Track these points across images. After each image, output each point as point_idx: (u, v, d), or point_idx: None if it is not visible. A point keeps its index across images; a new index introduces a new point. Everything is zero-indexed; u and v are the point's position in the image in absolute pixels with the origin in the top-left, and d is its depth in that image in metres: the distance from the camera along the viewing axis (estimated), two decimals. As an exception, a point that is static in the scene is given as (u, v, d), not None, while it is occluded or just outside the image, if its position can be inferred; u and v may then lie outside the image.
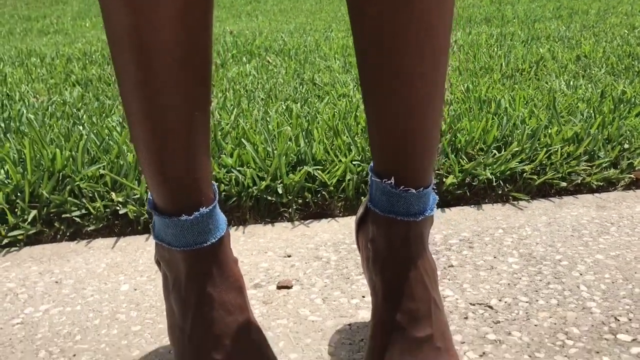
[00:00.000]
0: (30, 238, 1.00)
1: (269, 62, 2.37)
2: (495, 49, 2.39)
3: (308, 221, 1.03)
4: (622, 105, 1.35)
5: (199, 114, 0.52)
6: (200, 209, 0.55)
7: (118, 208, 1.01)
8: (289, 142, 1.14)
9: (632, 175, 1.09)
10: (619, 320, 0.71)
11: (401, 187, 0.57)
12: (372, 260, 0.61)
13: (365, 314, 0.74)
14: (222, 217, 0.59)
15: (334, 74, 2.01)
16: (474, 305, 0.75)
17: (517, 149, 1.09)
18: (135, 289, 0.83)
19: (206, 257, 0.57)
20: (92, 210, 1.00)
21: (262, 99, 1.67)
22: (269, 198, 1.03)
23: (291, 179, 1.04)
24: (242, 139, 1.11)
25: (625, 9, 3.65)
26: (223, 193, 1.04)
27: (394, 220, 0.58)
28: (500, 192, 1.06)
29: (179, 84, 0.50)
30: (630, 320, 0.70)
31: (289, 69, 2.18)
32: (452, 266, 0.85)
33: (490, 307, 0.75)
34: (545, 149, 1.09)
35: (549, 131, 1.15)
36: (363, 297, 0.78)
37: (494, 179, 1.06)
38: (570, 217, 0.99)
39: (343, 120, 1.28)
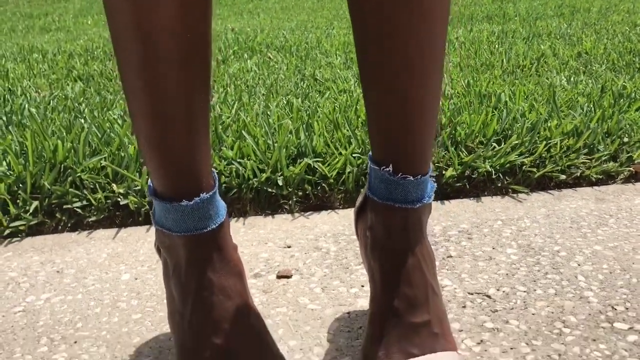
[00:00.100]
0: (32, 229, 1.00)
1: (270, 58, 2.38)
2: (497, 46, 2.39)
3: (308, 213, 1.03)
4: (622, 100, 1.35)
5: (199, 99, 0.53)
6: (201, 194, 0.56)
7: (119, 199, 1.01)
8: (289, 135, 1.14)
9: (631, 169, 1.10)
10: (616, 309, 0.71)
11: (399, 175, 0.57)
12: (371, 247, 0.61)
13: (364, 303, 0.75)
14: (222, 204, 0.60)
15: (335, 70, 2.02)
16: (472, 294, 0.76)
17: (516, 142, 1.09)
18: (136, 278, 0.83)
19: (206, 243, 0.57)
20: (93, 201, 1.01)
21: (263, 94, 1.68)
22: (269, 190, 1.04)
23: (291, 171, 1.04)
24: (243, 132, 1.12)
25: (627, 7, 3.65)
26: (223, 185, 1.04)
27: (392, 207, 0.59)
28: (499, 184, 1.07)
29: (180, 70, 0.50)
30: (627, 309, 0.71)
31: (290, 65, 2.18)
32: (450, 257, 0.85)
33: (488, 297, 0.75)
34: (544, 142, 1.10)
35: (549, 124, 1.16)
36: (362, 286, 0.79)
37: (493, 172, 1.06)
38: (569, 209, 1.00)
39: (343, 114, 1.28)
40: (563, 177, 1.07)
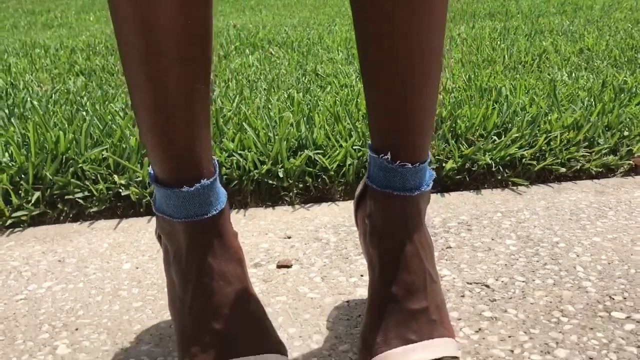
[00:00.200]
0: (34, 219, 1.01)
1: (271, 53, 2.38)
2: (498, 42, 2.39)
3: (308, 205, 1.04)
4: (622, 95, 1.35)
5: (200, 87, 0.53)
6: (202, 180, 0.56)
7: (120, 190, 1.02)
8: (290, 127, 1.15)
9: (631, 162, 1.10)
10: (613, 298, 0.71)
11: (397, 162, 0.58)
12: (369, 234, 0.62)
13: (363, 292, 0.75)
14: (222, 191, 0.60)
15: (336, 66, 2.02)
16: (470, 284, 0.76)
17: (516, 135, 1.10)
18: (137, 268, 0.84)
19: (207, 229, 0.58)
20: (94, 192, 1.01)
21: (264, 88, 1.68)
22: (270, 182, 1.04)
23: (292, 164, 1.05)
24: (244, 124, 1.12)
25: (630, 4, 3.65)
26: (224, 177, 1.05)
27: (391, 195, 0.59)
28: (499, 177, 1.07)
29: (181, 63, 0.51)
30: (625, 299, 0.71)
31: (292, 61, 2.19)
32: (450, 247, 0.86)
33: (487, 286, 0.75)
34: (544, 135, 1.10)
35: (549, 118, 1.16)
36: (361, 276, 0.79)
37: (493, 165, 1.07)
38: (569, 201, 1.00)
39: (344, 107, 1.29)
40: (563, 170, 1.07)
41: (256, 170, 1.05)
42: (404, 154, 0.58)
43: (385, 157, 0.58)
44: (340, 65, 2.02)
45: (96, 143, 1.11)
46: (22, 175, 1.03)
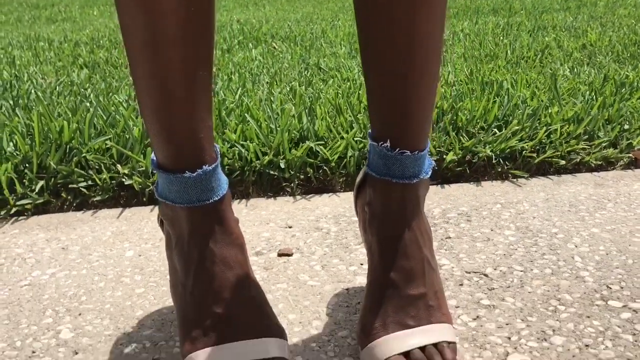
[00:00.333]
0: (38, 208, 1.02)
1: (274, 47, 2.39)
2: (501, 38, 2.39)
3: (309, 195, 1.05)
4: (624, 89, 1.35)
5: (202, 73, 0.54)
6: (203, 166, 0.57)
7: (124, 180, 1.03)
8: (292, 119, 1.15)
9: (630, 155, 1.11)
10: (611, 288, 0.72)
11: (397, 150, 0.58)
12: (369, 221, 0.62)
13: (362, 280, 0.76)
14: (224, 178, 0.61)
15: (339, 60, 2.02)
16: (469, 273, 0.77)
17: (517, 127, 1.10)
18: (140, 255, 0.85)
19: (208, 214, 0.58)
20: (98, 181, 1.02)
21: (267, 82, 1.69)
22: (272, 173, 1.05)
23: (293, 155, 1.05)
24: (246, 115, 1.13)
25: (634, 1, 3.64)
26: (226, 167, 1.06)
27: (390, 182, 0.60)
28: (499, 169, 1.08)
29: (184, 43, 0.51)
30: (622, 288, 0.72)
31: (295, 55, 2.19)
32: (449, 238, 0.87)
33: (486, 275, 0.76)
34: (545, 128, 1.11)
35: (550, 111, 1.17)
36: (361, 264, 0.80)
37: (493, 157, 1.07)
38: (568, 193, 1.01)
39: (346, 99, 1.29)
40: (563, 162, 1.08)
41: (258, 161, 1.06)
42: (404, 141, 0.59)
43: (385, 144, 0.59)
44: (342, 60, 2.02)
45: (100, 133, 1.11)
46: (27, 165, 1.04)
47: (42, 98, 1.43)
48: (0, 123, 1.15)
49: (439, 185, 1.07)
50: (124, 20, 0.51)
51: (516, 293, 0.72)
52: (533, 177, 1.08)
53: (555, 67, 1.76)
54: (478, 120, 1.14)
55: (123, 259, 0.84)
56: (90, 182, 1.03)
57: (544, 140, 1.11)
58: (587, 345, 0.62)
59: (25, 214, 1.01)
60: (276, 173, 1.05)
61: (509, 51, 2.05)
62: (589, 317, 0.67)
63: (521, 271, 0.77)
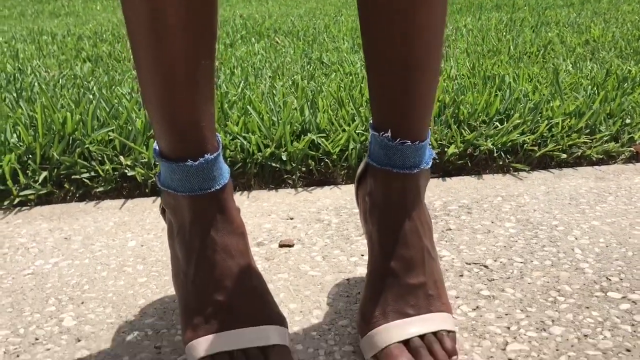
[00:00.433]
0: (41, 198, 1.02)
1: (277, 42, 2.39)
2: (504, 33, 2.39)
3: (311, 188, 1.05)
4: (626, 84, 1.35)
5: (204, 62, 0.54)
6: (205, 155, 0.57)
7: (126, 171, 1.03)
8: (294, 112, 1.16)
9: (632, 149, 1.11)
10: (610, 279, 0.72)
11: (398, 140, 0.59)
12: (369, 211, 0.63)
13: (363, 270, 0.76)
14: (225, 168, 0.61)
15: (341, 54, 2.03)
16: (469, 264, 0.77)
17: (518, 121, 1.10)
18: (142, 245, 0.85)
19: (210, 203, 0.59)
20: (101, 172, 1.03)
21: (269, 75, 1.69)
22: (273, 165, 1.06)
23: (295, 147, 1.06)
24: (248, 107, 1.13)
25: (637, -3, 3.63)
26: (229, 159, 1.06)
27: (390, 172, 0.60)
28: (500, 162, 1.08)
29: (187, 32, 0.52)
30: (621, 280, 0.72)
31: (297, 49, 2.19)
32: (449, 229, 0.87)
33: (486, 267, 0.77)
34: (546, 122, 1.11)
35: (551, 105, 1.17)
36: (362, 255, 0.80)
37: (495, 150, 1.08)
38: (569, 187, 1.01)
39: (348, 92, 1.30)
40: (564, 156, 1.08)
41: (260, 153, 1.06)
42: (405, 131, 0.59)
43: (386, 134, 0.59)
44: (345, 54, 2.02)
45: (103, 124, 1.12)
46: (30, 155, 1.05)
47: (46, 90, 1.44)
48: (4, 115, 1.16)
49: (441, 178, 1.07)
50: (128, 10, 0.52)
51: (516, 284, 0.72)
52: (534, 171, 1.08)
53: (557, 63, 1.75)
54: (480, 114, 1.14)
55: (125, 249, 0.85)
56: (93, 173, 1.03)
57: (545, 134, 1.11)
58: (585, 335, 0.62)
59: (29, 204, 1.02)
60: (278, 165, 1.06)
61: (511, 46, 2.05)
62: (588, 307, 0.67)
63: (521, 263, 0.77)
